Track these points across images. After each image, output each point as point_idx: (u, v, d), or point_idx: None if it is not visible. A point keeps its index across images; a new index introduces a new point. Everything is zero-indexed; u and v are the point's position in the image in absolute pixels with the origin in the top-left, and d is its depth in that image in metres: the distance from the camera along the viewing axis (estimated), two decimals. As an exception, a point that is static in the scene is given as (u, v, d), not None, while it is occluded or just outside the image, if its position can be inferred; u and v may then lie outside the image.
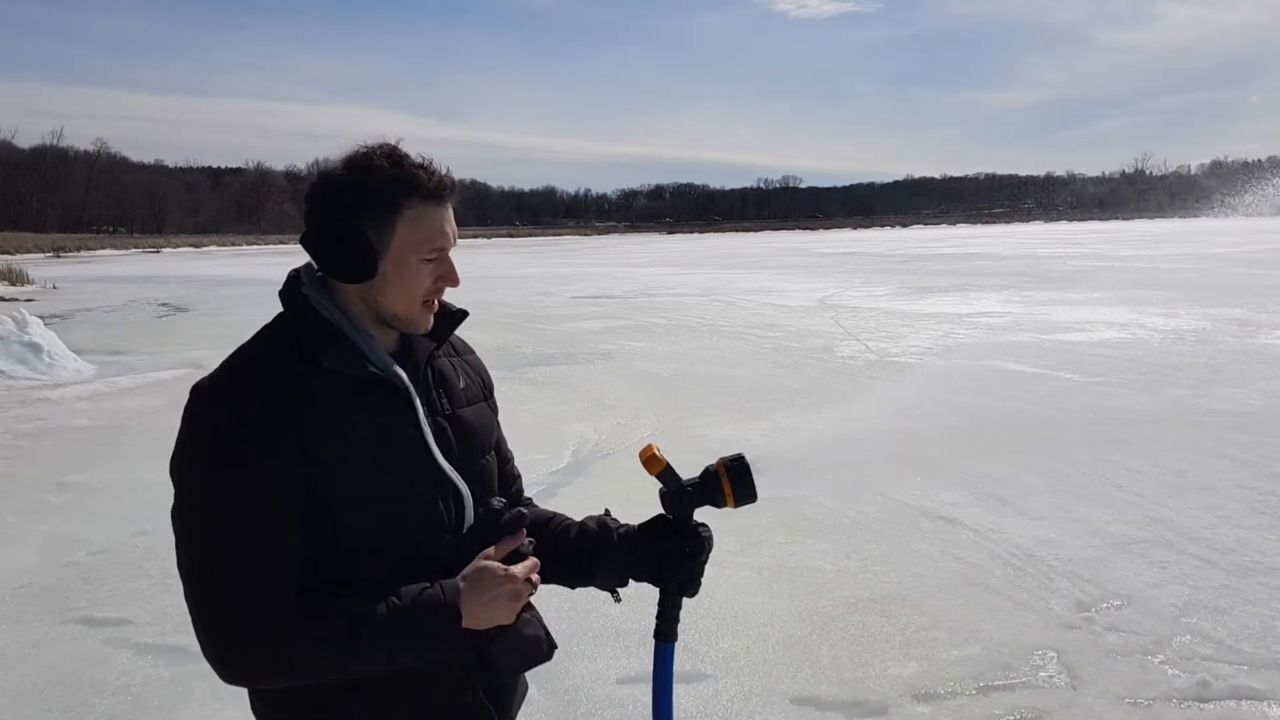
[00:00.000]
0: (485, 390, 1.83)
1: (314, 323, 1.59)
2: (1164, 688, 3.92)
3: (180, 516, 1.52)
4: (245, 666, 1.47)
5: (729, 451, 1.76)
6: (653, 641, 1.79)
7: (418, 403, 1.63)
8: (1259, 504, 6.22)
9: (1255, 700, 3.80)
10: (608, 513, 1.85)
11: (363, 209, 1.56)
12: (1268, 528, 5.77)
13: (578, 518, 1.86)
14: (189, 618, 1.51)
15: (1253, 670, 4.03)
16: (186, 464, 1.52)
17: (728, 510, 1.76)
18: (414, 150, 1.62)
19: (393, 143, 1.60)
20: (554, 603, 1.91)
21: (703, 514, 1.77)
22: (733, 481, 1.71)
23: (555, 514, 1.87)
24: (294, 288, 1.63)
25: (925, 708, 3.82)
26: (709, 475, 1.73)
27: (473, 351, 1.87)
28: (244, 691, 1.70)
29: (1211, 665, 4.08)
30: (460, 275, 1.66)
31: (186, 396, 1.55)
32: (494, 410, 1.84)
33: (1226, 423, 8.50)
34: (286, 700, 1.60)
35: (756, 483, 1.71)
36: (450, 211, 1.63)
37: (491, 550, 1.58)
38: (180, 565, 1.52)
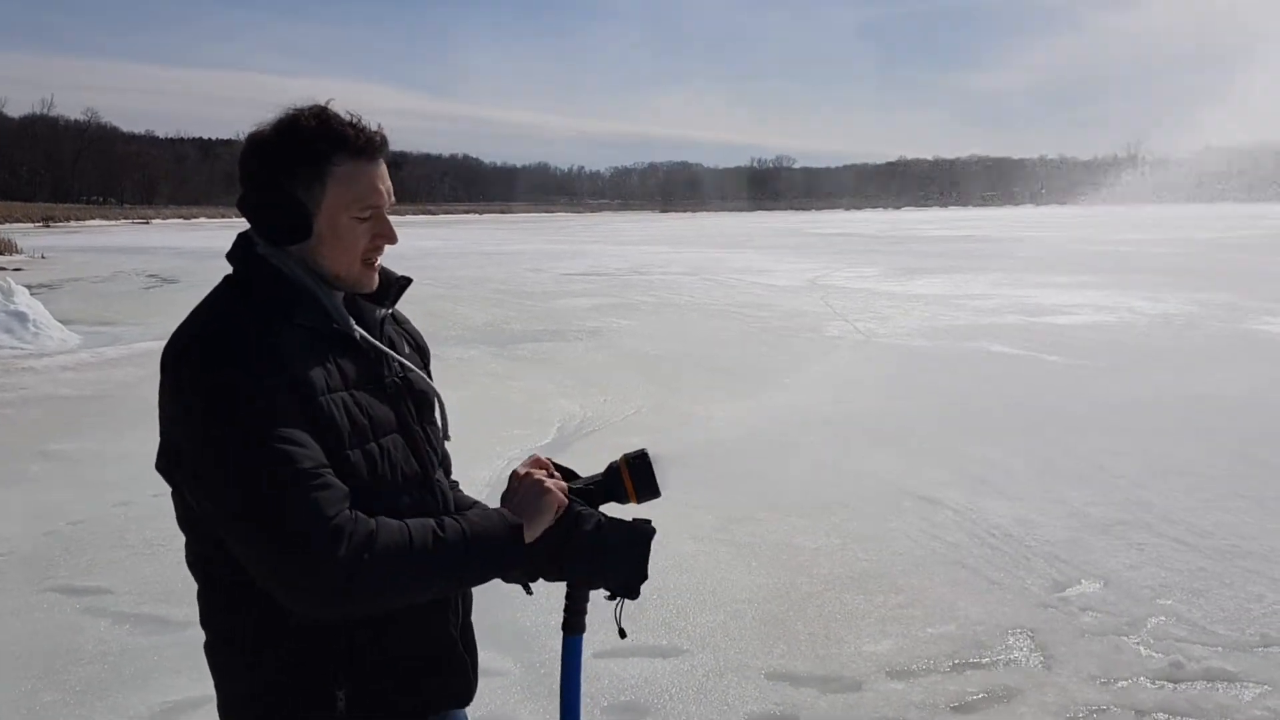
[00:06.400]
0: (424, 359, 1.82)
1: (279, 282, 1.57)
2: (1137, 668, 3.95)
3: (214, 468, 1.43)
4: (337, 575, 1.39)
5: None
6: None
7: (382, 360, 1.65)
8: (1239, 488, 6.25)
9: (1228, 682, 3.83)
10: None
11: (291, 170, 1.54)
12: (1246, 511, 5.80)
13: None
14: (261, 569, 1.43)
15: (1226, 652, 4.06)
16: (198, 416, 1.44)
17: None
18: (381, 119, 1.60)
19: (322, 103, 1.58)
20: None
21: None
22: (634, 477, 1.69)
23: (476, 502, 1.82)
24: (248, 249, 1.60)
25: (899, 684, 3.84)
26: (611, 472, 1.71)
27: (409, 321, 1.86)
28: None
29: (1185, 647, 4.11)
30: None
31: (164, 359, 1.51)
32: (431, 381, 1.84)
33: (1209, 407, 8.54)
34: (264, 685, 1.58)
35: (659, 477, 1.69)
36: (383, 168, 1.61)
37: (519, 469, 1.70)
38: (234, 512, 1.42)
